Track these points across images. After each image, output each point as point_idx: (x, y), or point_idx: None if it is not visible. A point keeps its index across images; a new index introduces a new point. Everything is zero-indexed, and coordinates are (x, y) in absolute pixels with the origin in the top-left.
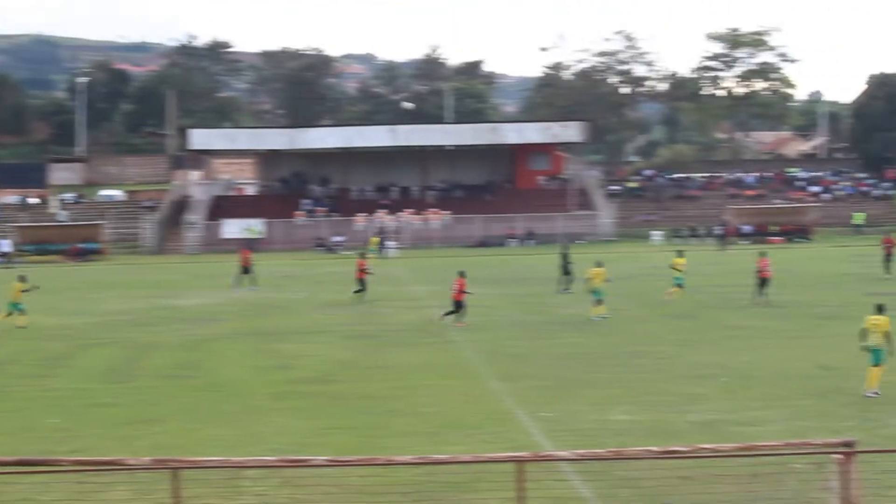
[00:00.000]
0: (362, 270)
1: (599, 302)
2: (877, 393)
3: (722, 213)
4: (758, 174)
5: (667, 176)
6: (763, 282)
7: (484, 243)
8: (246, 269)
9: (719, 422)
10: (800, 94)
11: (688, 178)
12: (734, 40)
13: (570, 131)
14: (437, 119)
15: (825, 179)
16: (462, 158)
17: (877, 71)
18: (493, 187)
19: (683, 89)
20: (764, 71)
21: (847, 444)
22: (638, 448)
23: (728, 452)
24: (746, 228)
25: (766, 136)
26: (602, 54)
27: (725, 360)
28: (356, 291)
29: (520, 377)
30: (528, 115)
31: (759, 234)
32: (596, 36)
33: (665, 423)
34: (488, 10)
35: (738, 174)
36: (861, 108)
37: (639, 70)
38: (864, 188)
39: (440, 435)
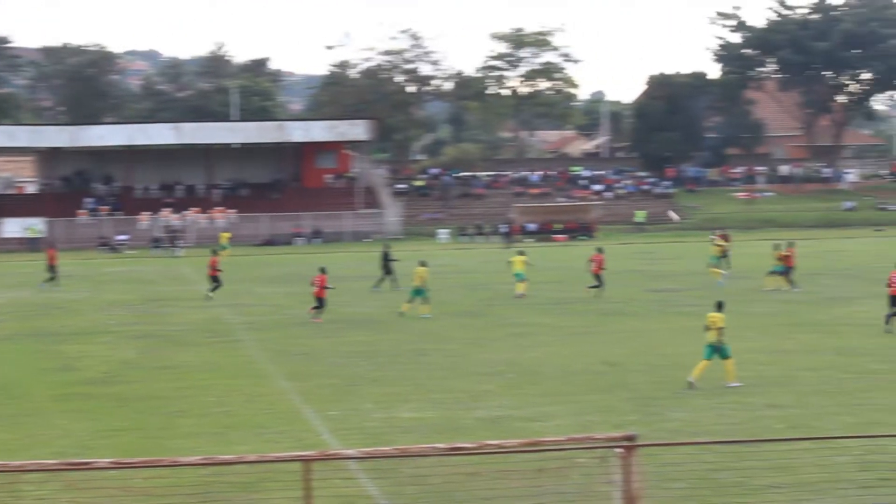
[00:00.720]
0: (215, 268)
1: (425, 300)
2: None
3: (507, 211)
4: (542, 173)
5: (453, 174)
6: (597, 277)
7: (271, 242)
8: (51, 268)
9: (506, 418)
10: (583, 93)
11: (473, 176)
12: (518, 40)
13: (356, 130)
14: (222, 117)
15: (608, 178)
16: (248, 157)
17: (656, 72)
18: (279, 186)
19: (469, 88)
20: (547, 71)
21: (629, 438)
22: (425, 445)
23: (514, 448)
24: (531, 226)
25: (551, 136)
26: (388, 53)
27: (512, 357)
28: (212, 290)
29: (307, 376)
30: (315, 113)
31: (544, 232)
32: (382, 34)
33: (452, 419)
34: (274, 7)
35: (523, 173)
36: (641, 108)
37: (425, 69)
38: (645, 186)
39: (227, 435)
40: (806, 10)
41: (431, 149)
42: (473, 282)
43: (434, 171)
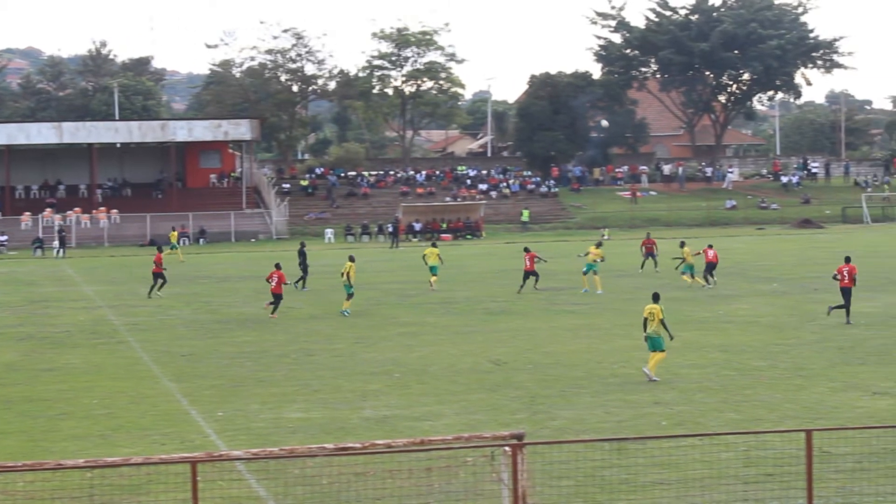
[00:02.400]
0: (159, 265)
1: (350, 296)
2: (653, 379)
3: (393, 210)
4: (428, 172)
5: (338, 174)
6: (528, 275)
7: (154, 242)
8: None
9: (393, 417)
10: (467, 93)
11: (359, 175)
12: (402, 40)
13: (241, 129)
14: (104, 116)
15: (493, 177)
16: (131, 156)
17: (539, 71)
18: (163, 185)
19: (353, 88)
20: (432, 70)
21: (516, 437)
22: (312, 446)
23: (402, 448)
24: (417, 226)
25: (436, 135)
26: (271, 52)
27: (399, 357)
28: (159, 288)
29: (193, 377)
30: (199, 112)
31: (430, 232)
32: (265, 33)
33: (340, 419)
34: (156, 4)
35: (409, 172)
36: (525, 107)
37: (309, 68)
38: (530, 186)
39: (112, 437)
40: (686, 11)
41: (316, 148)
42: (360, 281)
43: (319, 170)
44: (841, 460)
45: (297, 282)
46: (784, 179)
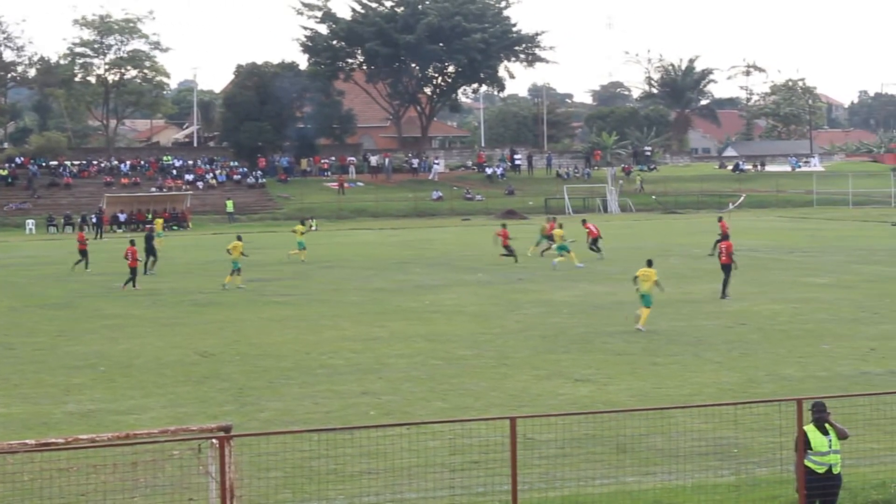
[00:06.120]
0: (82, 243)
1: (238, 272)
2: (640, 329)
3: (97, 201)
4: (133, 162)
5: (39, 163)
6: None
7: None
8: None
9: (98, 411)
10: (173, 82)
11: (61, 165)
12: (105, 27)
13: None
14: None
15: (199, 168)
16: None
17: (246, 61)
18: None
19: (54, 75)
20: (136, 59)
21: (224, 429)
22: (13, 441)
23: (106, 442)
24: (122, 216)
25: (141, 124)
26: None
27: (104, 350)
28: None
29: None
30: None
31: (136, 222)
32: None
33: (42, 414)
34: None
35: (113, 162)
36: (232, 97)
37: (7, 55)
38: (237, 176)
39: None
40: (392, 3)
41: (16, 137)
42: (62, 273)
43: (19, 160)
44: (544, 446)
45: (151, 266)
46: (489, 171)
